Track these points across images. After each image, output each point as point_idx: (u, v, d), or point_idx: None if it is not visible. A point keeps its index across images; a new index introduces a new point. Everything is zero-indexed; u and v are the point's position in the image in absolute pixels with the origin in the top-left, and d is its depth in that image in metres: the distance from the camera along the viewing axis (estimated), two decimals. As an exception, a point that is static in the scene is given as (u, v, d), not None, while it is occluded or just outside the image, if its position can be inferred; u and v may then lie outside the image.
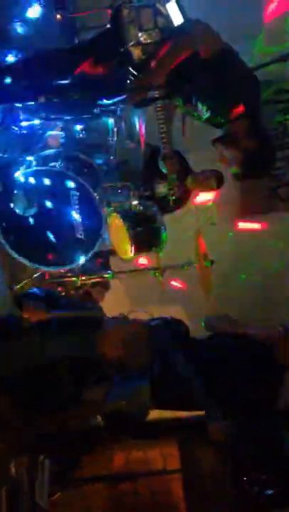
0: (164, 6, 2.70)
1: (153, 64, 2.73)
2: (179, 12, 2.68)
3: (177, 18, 2.68)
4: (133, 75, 2.90)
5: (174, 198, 3.41)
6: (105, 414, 3.23)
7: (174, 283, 3.77)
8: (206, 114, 2.83)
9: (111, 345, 2.24)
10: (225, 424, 2.68)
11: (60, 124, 3.72)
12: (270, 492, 2.37)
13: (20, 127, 3.61)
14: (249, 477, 2.43)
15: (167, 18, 2.70)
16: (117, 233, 3.73)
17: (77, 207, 3.32)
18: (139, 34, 2.72)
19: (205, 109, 2.79)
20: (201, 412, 2.82)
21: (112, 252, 3.97)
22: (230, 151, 2.84)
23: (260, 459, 2.65)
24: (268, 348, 3.02)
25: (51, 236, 3.34)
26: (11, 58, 3.56)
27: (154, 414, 3.24)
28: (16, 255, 3.29)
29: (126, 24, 2.74)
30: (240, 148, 2.79)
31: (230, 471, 2.61)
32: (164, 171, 3.34)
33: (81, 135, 3.75)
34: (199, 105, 2.80)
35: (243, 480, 2.43)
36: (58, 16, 4.07)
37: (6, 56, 3.58)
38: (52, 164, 3.38)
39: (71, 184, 3.31)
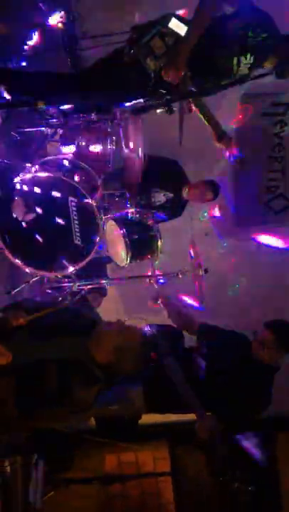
0: (166, 26, 2.75)
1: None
2: (182, 24, 2.73)
3: (182, 30, 2.72)
4: (164, 94, 2.98)
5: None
6: (97, 417, 3.28)
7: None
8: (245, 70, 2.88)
9: (102, 349, 2.26)
10: (211, 423, 2.74)
11: (59, 130, 3.76)
12: (250, 488, 2.44)
13: (21, 134, 3.67)
14: (231, 473, 2.49)
15: (174, 33, 2.75)
16: (114, 240, 3.78)
17: (74, 213, 3.36)
18: (157, 62, 2.79)
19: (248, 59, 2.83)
20: (191, 416, 2.87)
21: (109, 259, 4.01)
22: None
23: (243, 457, 2.73)
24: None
25: (48, 241, 3.40)
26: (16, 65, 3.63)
27: (145, 418, 3.29)
28: (13, 259, 3.35)
29: (144, 61, 2.81)
30: None
31: (213, 467, 2.67)
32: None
33: (80, 142, 3.78)
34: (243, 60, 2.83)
35: (225, 476, 2.49)
36: (60, 25, 4.12)
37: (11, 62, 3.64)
38: (51, 171, 3.41)
39: (69, 191, 3.34)
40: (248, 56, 2.80)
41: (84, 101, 3.33)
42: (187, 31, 2.70)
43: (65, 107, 3.51)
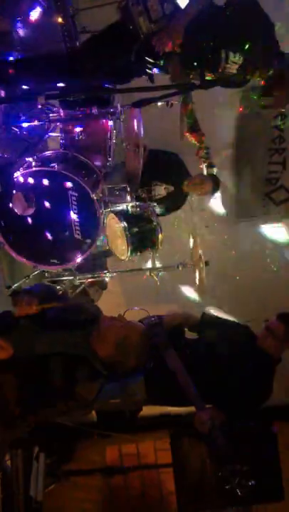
0: None
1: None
2: None
3: (183, 2, 2.70)
4: (149, 63, 2.96)
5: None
6: (98, 410, 3.31)
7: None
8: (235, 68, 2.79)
9: (104, 345, 2.27)
10: (209, 416, 2.75)
11: (59, 125, 3.76)
12: (250, 483, 2.45)
13: (21, 128, 3.66)
14: (230, 467, 2.51)
15: (173, 2, 2.73)
16: (114, 234, 3.79)
17: (75, 207, 3.37)
18: (150, 25, 2.77)
19: (237, 58, 2.74)
20: (192, 408, 2.88)
21: (109, 253, 4.02)
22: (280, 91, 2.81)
23: (242, 451, 2.75)
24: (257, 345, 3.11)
25: (49, 235, 3.41)
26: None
27: (146, 409, 3.31)
28: (14, 254, 3.37)
29: (137, 18, 2.78)
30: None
31: (213, 461, 2.69)
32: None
33: (81, 137, 3.77)
34: (231, 57, 2.75)
35: (224, 470, 2.51)
36: (60, 20, 4.09)
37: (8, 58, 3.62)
38: (51, 165, 3.42)
39: (69, 185, 3.34)
40: (237, 55, 2.73)
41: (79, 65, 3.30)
42: (188, 4, 2.67)
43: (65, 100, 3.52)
